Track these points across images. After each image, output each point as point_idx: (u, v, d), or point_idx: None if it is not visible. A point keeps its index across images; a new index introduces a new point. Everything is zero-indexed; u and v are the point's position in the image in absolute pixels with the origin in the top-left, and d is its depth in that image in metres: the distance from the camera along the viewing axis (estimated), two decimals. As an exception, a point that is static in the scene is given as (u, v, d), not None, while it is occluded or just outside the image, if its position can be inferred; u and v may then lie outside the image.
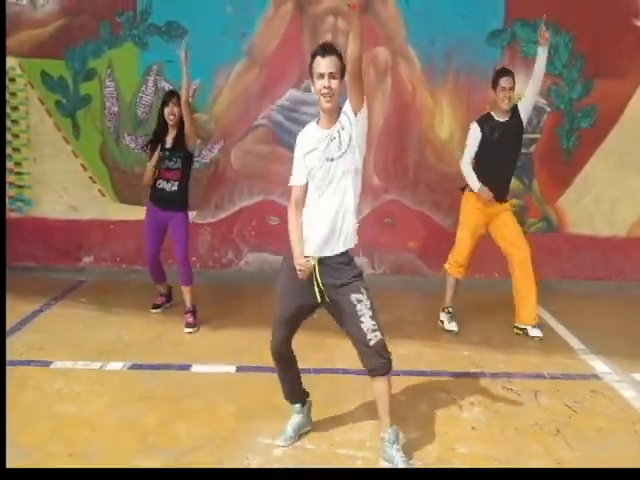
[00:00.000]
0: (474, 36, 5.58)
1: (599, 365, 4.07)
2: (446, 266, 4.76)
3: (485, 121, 4.47)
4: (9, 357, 3.69)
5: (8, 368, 3.47)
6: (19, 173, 5.87)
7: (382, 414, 2.89)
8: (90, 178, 5.88)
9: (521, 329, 4.60)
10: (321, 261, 2.84)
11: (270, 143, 5.79)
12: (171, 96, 4.52)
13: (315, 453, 2.97)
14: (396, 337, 4.44)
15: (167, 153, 4.52)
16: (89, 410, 3.32)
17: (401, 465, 2.79)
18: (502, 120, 4.44)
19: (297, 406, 3.12)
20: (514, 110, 4.48)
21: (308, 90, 5.26)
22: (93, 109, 5.79)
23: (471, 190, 4.56)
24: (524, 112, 4.48)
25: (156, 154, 4.54)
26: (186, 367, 3.89)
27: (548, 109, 5.75)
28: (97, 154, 5.86)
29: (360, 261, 5.90)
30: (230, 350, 4.13)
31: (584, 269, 5.96)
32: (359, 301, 2.81)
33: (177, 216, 4.60)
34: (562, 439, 3.15)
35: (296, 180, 2.91)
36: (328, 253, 2.84)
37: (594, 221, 5.95)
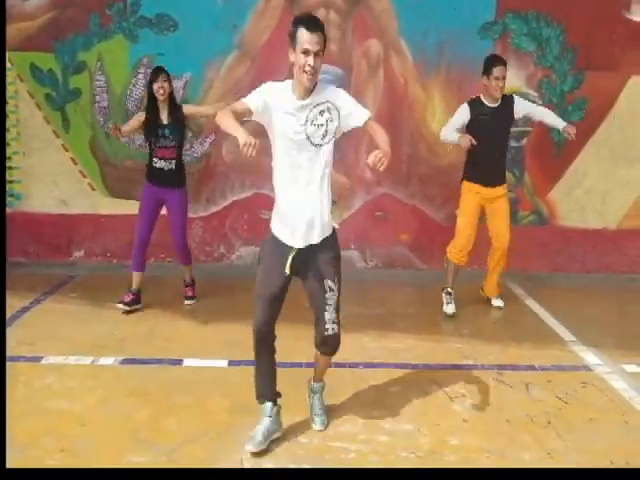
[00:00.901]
0: (466, 29, 5.58)
1: (590, 357, 4.09)
2: (447, 253, 4.85)
3: (475, 104, 4.58)
4: None
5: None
6: (9, 167, 5.81)
7: (317, 372, 3.17)
8: (80, 172, 5.83)
9: (487, 298, 5.04)
10: (301, 250, 2.86)
11: (261, 136, 5.74)
12: (159, 72, 4.47)
13: (308, 446, 2.98)
14: (388, 330, 4.47)
15: (166, 131, 4.50)
16: (81, 406, 3.31)
17: (317, 410, 3.15)
18: (492, 105, 4.55)
19: (268, 406, 3.00)
20: (506, 99, 4.56)
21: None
22: (83, 102, 5.74)
23: (468, 179, 4.69)
24: (521, 110, 4.60)
25: (134, 122, 4.63)
26: (178, 362, 3.88)
27: (539, 102, 5.74)
28: (87, 148, 5.81)
29: (352, 254, 5.91)
30: (222, 344, 4.12)
31: (575, 262, 5.98)
32: (330, 289, 2.86)
33: (175, 192, 4.61)
34: (553, 430, 3.17)
35: (251, 102, 2.77)
36: (311, 242, 2.86)
37: (585, 214, 5.97)
